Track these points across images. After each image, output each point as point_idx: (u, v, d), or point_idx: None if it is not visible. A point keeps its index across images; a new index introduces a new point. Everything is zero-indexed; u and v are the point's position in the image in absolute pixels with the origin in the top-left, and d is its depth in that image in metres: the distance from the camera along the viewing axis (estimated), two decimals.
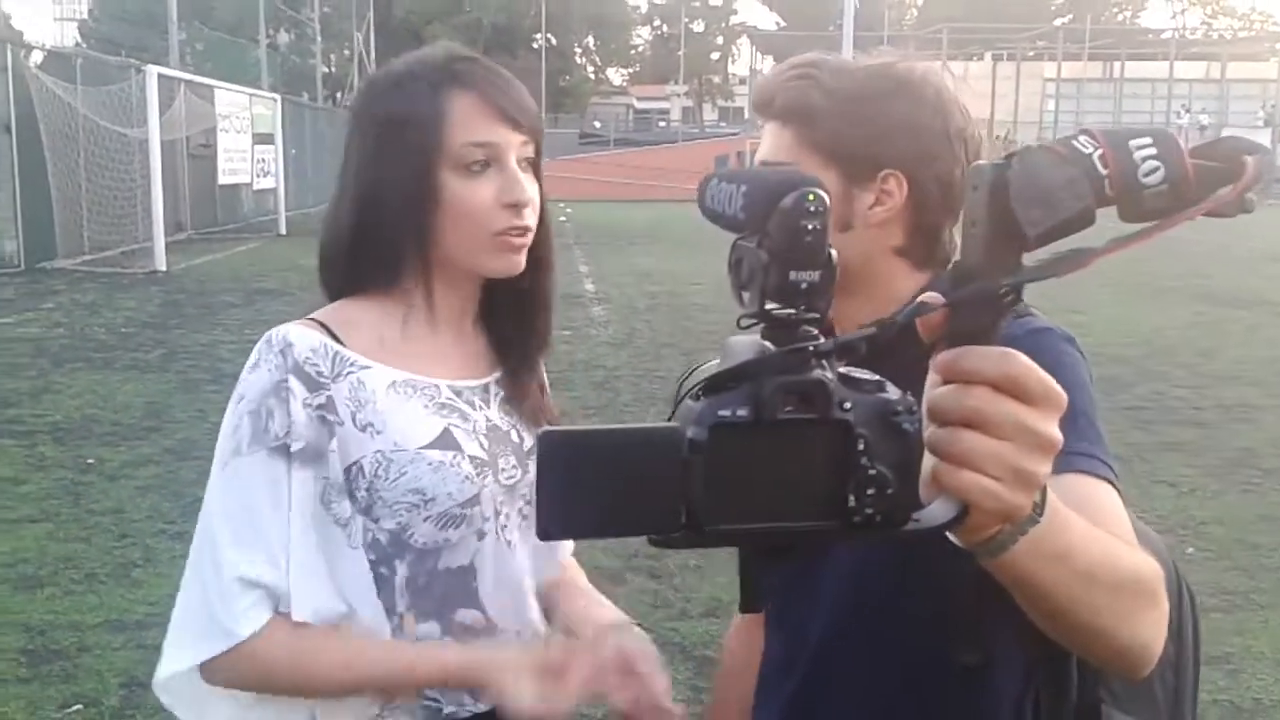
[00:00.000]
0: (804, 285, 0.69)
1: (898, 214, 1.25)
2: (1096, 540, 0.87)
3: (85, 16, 57.07)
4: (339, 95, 51.09)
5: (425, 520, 1.33)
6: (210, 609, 1.28)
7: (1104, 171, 0.68)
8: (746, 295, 0.72)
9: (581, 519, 0.66)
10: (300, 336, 1.33)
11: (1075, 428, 1.09)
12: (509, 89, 1.36)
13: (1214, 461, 6.77)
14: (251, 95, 24.34)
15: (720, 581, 4.76)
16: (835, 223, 1.22)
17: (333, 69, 53.94)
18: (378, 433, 1.32)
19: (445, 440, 1.35)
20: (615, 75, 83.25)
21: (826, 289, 0.70)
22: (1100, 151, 0.68)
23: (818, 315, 0.70)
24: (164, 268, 15.72)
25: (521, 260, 1.39)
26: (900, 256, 1.26)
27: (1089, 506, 0.95)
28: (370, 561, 1.33)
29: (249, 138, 23.78)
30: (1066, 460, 1.03)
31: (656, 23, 78.85)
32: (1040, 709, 1.22)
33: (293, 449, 1.28)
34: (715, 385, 0.68)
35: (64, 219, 16.23)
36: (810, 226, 0.68)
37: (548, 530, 0.66)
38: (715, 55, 78.35)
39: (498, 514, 1.40)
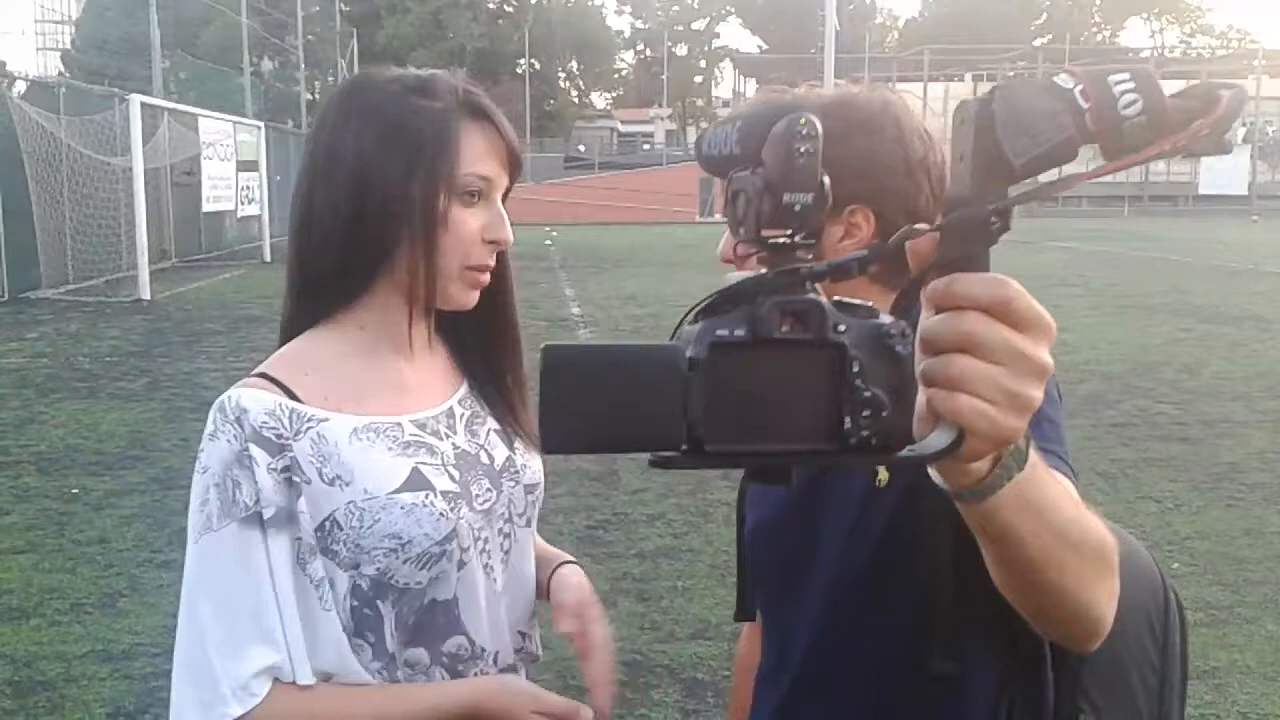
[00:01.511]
0: (797, 207, 0.70)
1: (866, 244, 1.27)
2: (1071, 501, 0.89)
3: (68, 46, 57.06)
4: None
5: (405, 563, 1.32)
6: (204, 688, 1.26)
7: (1085, 105, 0.69)
8: (743, 229, 0.73)
9: (583, 433, 0.67)
10: (254, 400, 1.30)
11: (1039, 430, 1.12)
12: (512, 133, 1.38)
13: (1198, 477, 6.79)
14: (235, 123, 24.39)
15: (708, 603, 4.76)
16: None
17: (316, 96, 54.01)
18: (346, 484, 1.30)
19: (415, 481, 1.33)
20: (599, 99, 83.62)
21: (819, 213, 0.71)
22: (1081, 86, 0.70)
23: (811, 241, 0.72)
24: (148, 296, 15.69)
25: (476, 298, 1.40)
26: (874, 281, 1.28)
27: None
28: (353, 607, 1.33)
29: (233, 165, 23.81)
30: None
31: (640, 47, 79.28)
32: (1015, 718, 1.23)
33: (265, 516, 1.27)
34: (712, 308, 0.70)
35: (48, 249, 16.21)
36: (802, 149, 0.70)
37: (550, 443, 0.67)
38: (699, 78, 78.77)
39: (477, 540, 1.40)
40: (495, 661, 1.45)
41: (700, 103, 77.63)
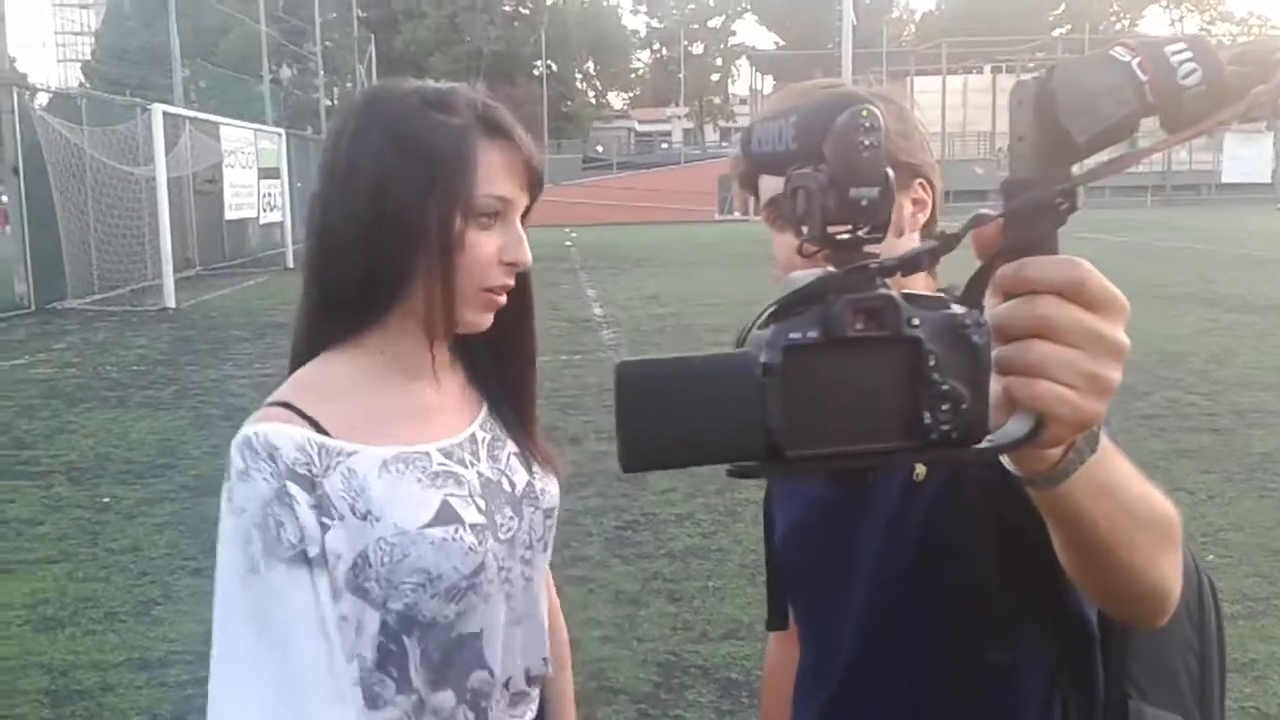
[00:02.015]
0: (864, 203, 0.69)
1: (928, 217, 1.32)
2: (1138, 477, 0.88)
3: (88, 57, 57.50)
4: None
5: (433, 597, 1.30)
6: None
7: (1144, 78, 0.68)
8: (805, 228, 0.72)
9: (663, 449, 0.66)
10: (282, 436, 1.25)
11: None
12: (531, 146, 1.34)
13: (1231, 467, 6.74)
14: (256, 130, 24.51)
15: (739, 602, 4.76)
16: (891, 229, 1.27)
17: (335, 102, 54.24)
18: (377, 519, 1.27)
19: (444, 514, 1.31)
20: (616, 99, 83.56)
21: (886, 206, 0.69)
22: (1139, 58, 0.68)
23: (879, 235, 0.70)
24: (174, 304, 15.79)
25: (490, 320, 1.36)
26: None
27: None
28: (380, 643, 1.30)
29: (254, 172, 23.92)
30: None
31: (656, 46, 79.19)
32: (1068, 707, 1.23)
33: (310, 555, 1.23)
34: (782, 310, 0.69)
35: (73, 259, 16.35)
36: (867, 142, 0.68)
37: (630, 462, 0.66)
38: (715, 76, 78.63)
39: (500, 571, 1.37)
40: (509, 687, 1.42)
41: (717, 101, 77.55)
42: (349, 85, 52.09)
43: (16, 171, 15.26)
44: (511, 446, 1.45)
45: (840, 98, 0.70)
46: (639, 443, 0.66)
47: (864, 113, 0.68)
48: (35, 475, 7.00)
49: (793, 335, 0.67)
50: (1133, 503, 0.86)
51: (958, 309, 0.69)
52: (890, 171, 0.69)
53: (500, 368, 1.46)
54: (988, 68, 57.32)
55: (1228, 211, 37.78)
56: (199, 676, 4.08)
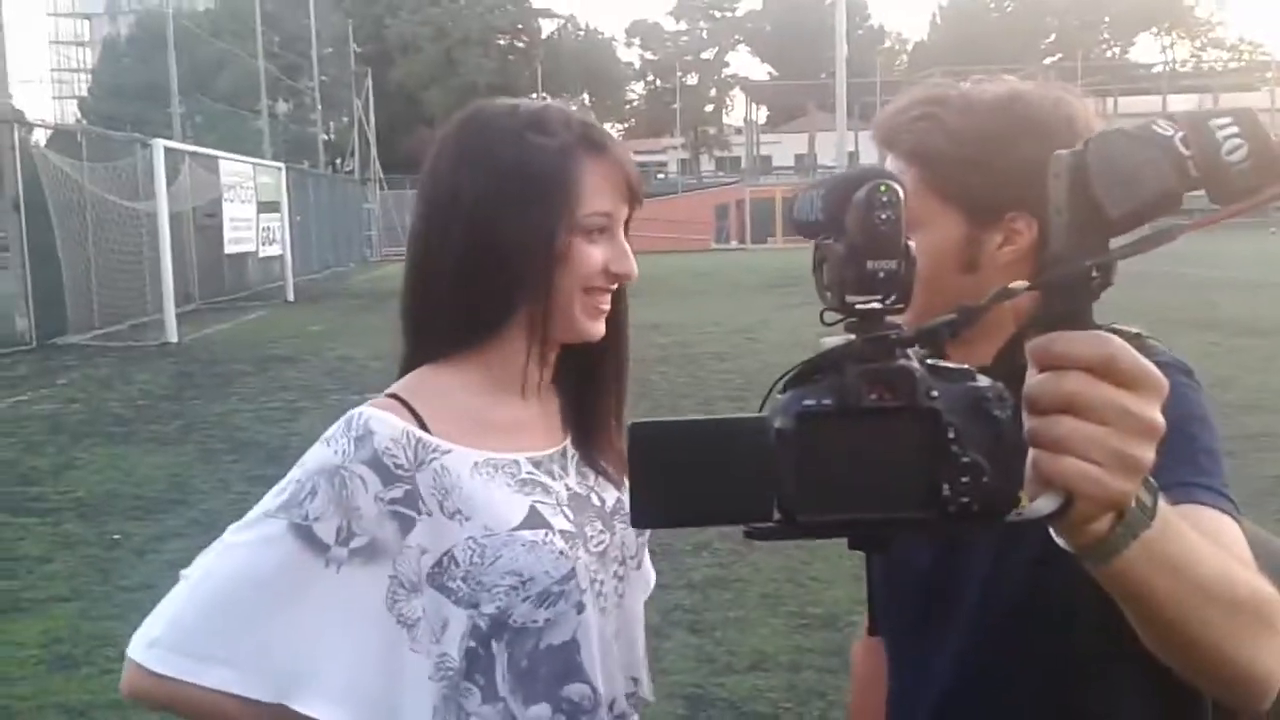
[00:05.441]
0: (881, 275, 0.70)
1: (1026, 253, 1.21)
2: (1213, 555, 0.85)
3: (84, 94, 57.71)
4: (339, 161, 51.58)
5: (525, 601, 1.30)
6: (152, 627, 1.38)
7: (1186, 152, 0.68)
8: (830, 295, 0.74)
9: (673, 507, 0.68)
10: (382, 424, 1.28)
11: (1196, 462, 1.08)
12: (631, 162, 1.36)
13: (1244, 492, 6.48)
14: (256, 165, 24.58)
15: (762, 633, 4.71)
16: (961, 265, 1.22)
17: (332, 136, 54.39)
18: (466, 519, 1.29)
19: (533, 519, 1.32)
20: (611, 131, 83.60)
21: (906, 279, 0.71)
22: (1181, 133, 0.68)
23: (900, 306, 0.71)
24: (175, 339, 15.76)
25: (603, 327, 1.38)
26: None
27: (1208, 535, 0.93)
28: (469, 648, 1.31)
29: (254, 206, 23.98)
30: (1187, 491, 1.01)
31: (650, 77, 79.61)
32: None
33: (353, 545, 1.26)
34: (801, 377, 0.71)
35: (74, 294, 16.34)
36: (884, 216, 0.69)
37: (639, 518, 0.68)
38: (709, 107, 78.99)
39: (594, 583, 1.37)
40: (612, 709, 1.41)
41: (712, 131, 77.87)
42: (345, 120, 52.26)
43: (17, 208, 15.26)
44: (601, 465, 1.46)
45: (863, 172, 0.71)
46: (649, 500, 0.68)
47: (881, 188, 0.70)
48: (44, 512, 6.95)
49: (806, 402, 0.69)
50: (1205, 581, 0.82)
51: (982, 381, 0.70)
52: (911, 244, 0.70)
53: (598, 388, 1.47)
54: None
55: (1221, 236, 37.89)
56: None
